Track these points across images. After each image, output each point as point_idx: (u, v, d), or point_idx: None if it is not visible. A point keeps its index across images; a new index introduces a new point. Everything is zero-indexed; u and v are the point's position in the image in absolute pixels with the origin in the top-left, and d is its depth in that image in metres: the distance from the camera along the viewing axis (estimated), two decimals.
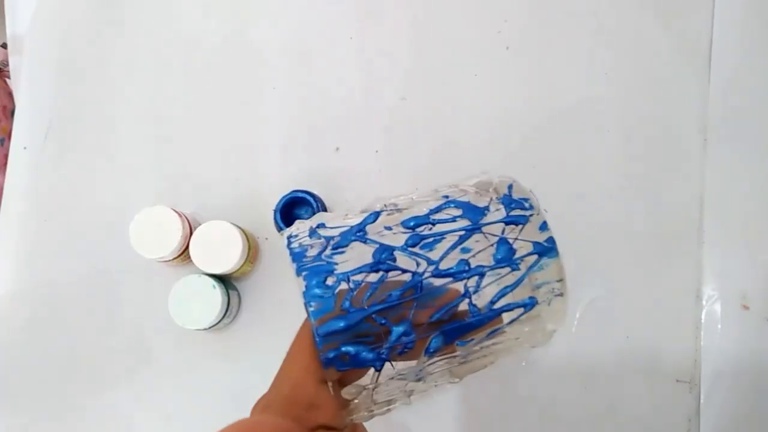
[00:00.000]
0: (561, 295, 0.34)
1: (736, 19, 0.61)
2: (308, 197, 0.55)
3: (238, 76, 0.62)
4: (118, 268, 0.59)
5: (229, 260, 0.54)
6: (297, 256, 0.33)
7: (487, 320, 0.32)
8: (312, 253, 0.34)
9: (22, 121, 0.62)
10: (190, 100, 0.62)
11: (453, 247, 0.33)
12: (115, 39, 0.63)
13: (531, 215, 0.35)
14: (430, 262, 0.33)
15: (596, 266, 0.58)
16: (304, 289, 0.32)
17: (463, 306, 0.32)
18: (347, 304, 0.32)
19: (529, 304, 0.33)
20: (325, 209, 0.56)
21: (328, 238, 0.34)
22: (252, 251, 0.57)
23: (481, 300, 0.32)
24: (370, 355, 0.31)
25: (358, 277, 0.32)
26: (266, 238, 0.59)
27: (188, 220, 0.56)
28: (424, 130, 0.61)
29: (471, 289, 0.32)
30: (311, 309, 0.31)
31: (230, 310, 0.56)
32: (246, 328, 0.58)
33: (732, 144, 0.59)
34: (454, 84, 0.62)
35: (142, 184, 0.61)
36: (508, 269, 0.33)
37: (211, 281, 0.54)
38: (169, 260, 0.55)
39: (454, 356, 0.33)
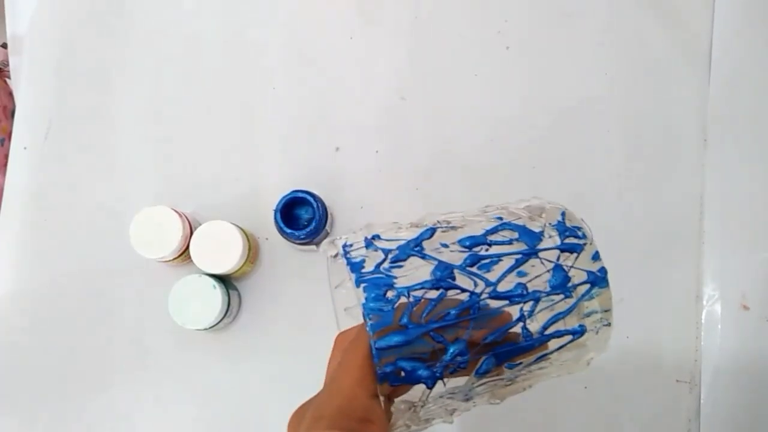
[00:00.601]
0: (608, 325, 0.34)
1: (736, 19, 0.61)
2: (309, 197, 0.55)
3: (238, 76, 0.62)
4: (118, 268, 0.59)
5: (229, 260, 0.54)
6: (355, 267, 0.32)
7: (537, 345, 0.33)
8: (370, 264, 0.33)
9: (23, 121, 0.62)
10: (190, 100, 0.62)
11: (510, 270, 0.33)
12: (116, 39, 0.63)
13: (585, 244, 0.36)
14: (487, 283, 0.33)
15: None
16: (363, 301, 0.31)
17: (516, 329, 0.32)
18: (406, 319, 0.31)
19: (579, 332, 0.33)
20: (325, 210, 0.56)
21: (386, 251, 0.33)
22: (252, 251, 0.57)
23: (534, 325, 0.33)
24: (425, 373, 0.31)
25: (418, 293, 0.32)
26: (266, 238, 0.59)
27: (188, 220, 0.56)
28: (424, 130, 0.61)
29: (526, 314, 0.33)
30: (370, 322, 0.31)
31: (230, 311, 0.56)
32: (246, 328, 0.58)
33: (732, 144, 0.59)
34: (454, 84, 0.62)
35: (143, 184, 0.61)
36: (561, 296, 0.33)
37: (211, 281, 0.54)
38: (170, 260, 0.55)
39: (501, 378, 0.34)
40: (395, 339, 0.31)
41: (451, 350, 0.31)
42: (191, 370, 0.57)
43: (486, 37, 0.62)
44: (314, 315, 0.56)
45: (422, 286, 0.32)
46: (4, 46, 0.66)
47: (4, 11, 0.65)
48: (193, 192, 0.60)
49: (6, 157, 0.62)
